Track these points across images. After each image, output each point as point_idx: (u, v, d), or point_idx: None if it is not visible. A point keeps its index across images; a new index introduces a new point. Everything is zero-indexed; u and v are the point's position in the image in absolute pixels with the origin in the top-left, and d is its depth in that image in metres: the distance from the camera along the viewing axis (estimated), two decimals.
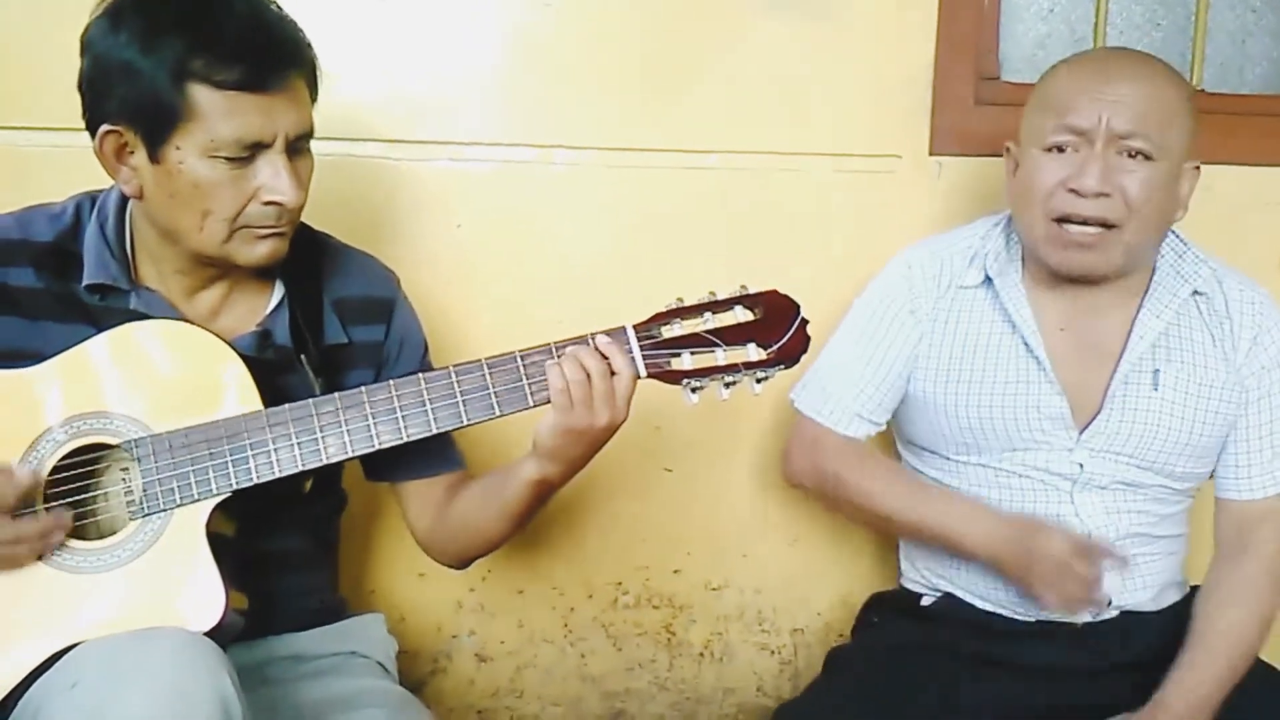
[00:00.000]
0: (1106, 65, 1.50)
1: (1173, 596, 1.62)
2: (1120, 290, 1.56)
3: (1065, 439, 1.55)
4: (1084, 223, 1.46)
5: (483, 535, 1.46)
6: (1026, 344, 1.55)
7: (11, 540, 1.22)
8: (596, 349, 1.28)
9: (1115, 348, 1.55)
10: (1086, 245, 1.47)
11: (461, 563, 1.53)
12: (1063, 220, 1.47)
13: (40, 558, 1.24)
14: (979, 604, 1.60)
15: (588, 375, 1.26)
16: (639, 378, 1.30)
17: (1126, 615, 1.57)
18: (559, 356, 1.28)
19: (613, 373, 1.27)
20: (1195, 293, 1.56)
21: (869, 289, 1.67)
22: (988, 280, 1.59)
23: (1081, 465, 1.55)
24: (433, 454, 1.45)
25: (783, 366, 1.29)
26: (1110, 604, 1.49)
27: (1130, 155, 1.46)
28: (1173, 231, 1.57)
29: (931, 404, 1.60)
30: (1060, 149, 1.48)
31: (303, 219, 1.38)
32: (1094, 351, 1.56)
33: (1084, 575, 1.41)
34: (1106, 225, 1.46)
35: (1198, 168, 1.53)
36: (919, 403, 1.62)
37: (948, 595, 1.63)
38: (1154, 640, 1.55)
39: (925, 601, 1.66)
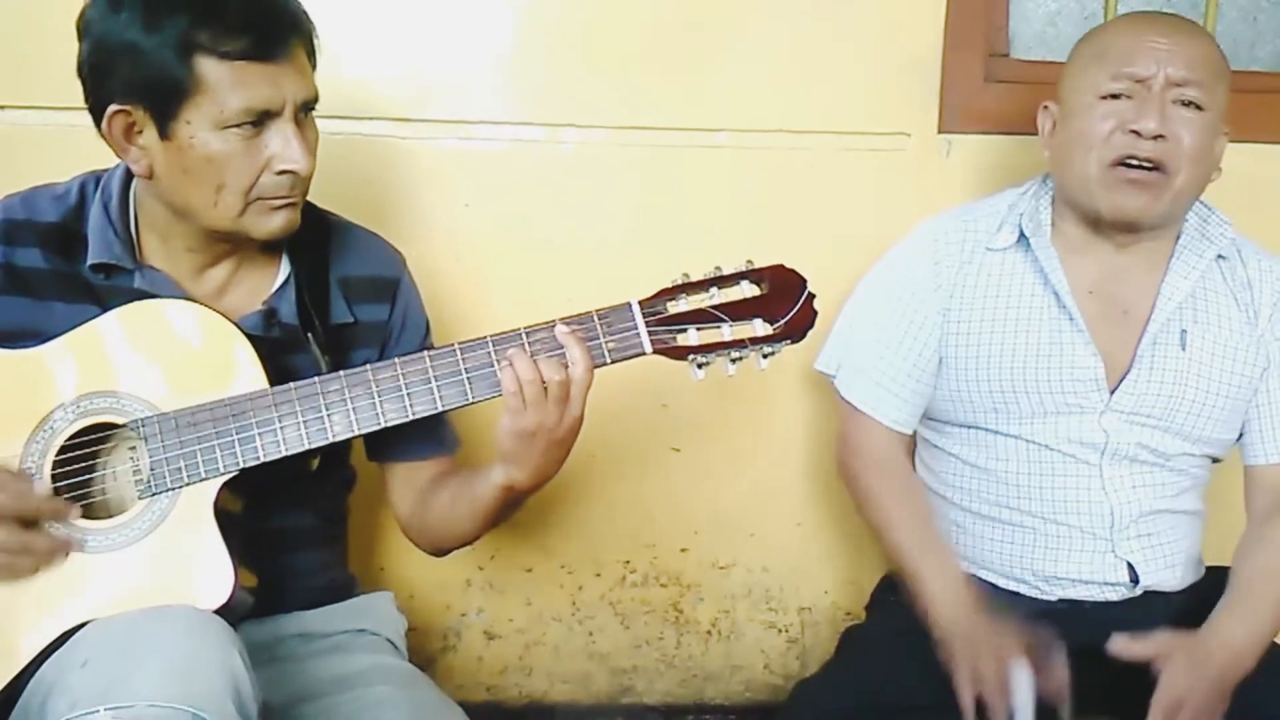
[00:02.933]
0: (1159, 21, 1.54)
1: (1193, 575, 1.62)
2: (1147, 253, 1.58)
3: (1096, 401, 1.55)
4: (1141, 165, 1.49)
5: (455, 531, 1.46)
6: (1060, 303, 1.56)
7: (19, 549, 1.23)
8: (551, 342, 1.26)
9: (1143, 310, 1.57)
10: (1142, 184, 1.49)
11: (437, 551, 1.52)
12: (1119, 163, 1.50)
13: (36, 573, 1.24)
14: (1001, 583, 1.61)
15: (539, 374, 1.25)
16: (605, 364, 1.28)
17: (1150, 594, 1.57)
18: (525, 345, 1.27)
19: (566, 366, 1.25)
20: (1219, 256, 1.59)
21: (892, 259, 1.67)
22: (1021, 241, 1.60)
23: (1108, 432, 1.55)
24: (422, 437, 1.45)
25: (789, 341, 1.28)
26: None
27: (1184, 104, 1.49)
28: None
29: (960, 369, 1.60)
30: (1116, 96, 1.50)
31: (309, 198, 1.38)
32: (1122, 314, 1.58)
33: (996, 677, 1.39)
34: (1161, 170, 1.49)
35: (1227, 133, 1.56)
36: (947, 370, 1.62)
37: (969, 577, 1.63)
38: (1176, 619, 1.53)
39: None
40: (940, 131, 1.92)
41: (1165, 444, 1.57)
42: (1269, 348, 1.59)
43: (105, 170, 1.40)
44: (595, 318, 1.28)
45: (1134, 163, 1.49)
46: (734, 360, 1.29)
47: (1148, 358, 1.56)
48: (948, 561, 1.57)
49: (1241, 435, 1.63)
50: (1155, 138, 1.47)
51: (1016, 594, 1.60)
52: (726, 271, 1.28)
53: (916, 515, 1.62)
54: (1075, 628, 1.53)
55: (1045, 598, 1.58)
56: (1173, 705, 1.38)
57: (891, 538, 1.60)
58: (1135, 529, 1.56)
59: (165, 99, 1.24)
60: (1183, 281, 1.56)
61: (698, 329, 1.27)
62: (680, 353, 1.28)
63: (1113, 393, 1.56)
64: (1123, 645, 1.42)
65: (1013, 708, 1.38)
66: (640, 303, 1.28)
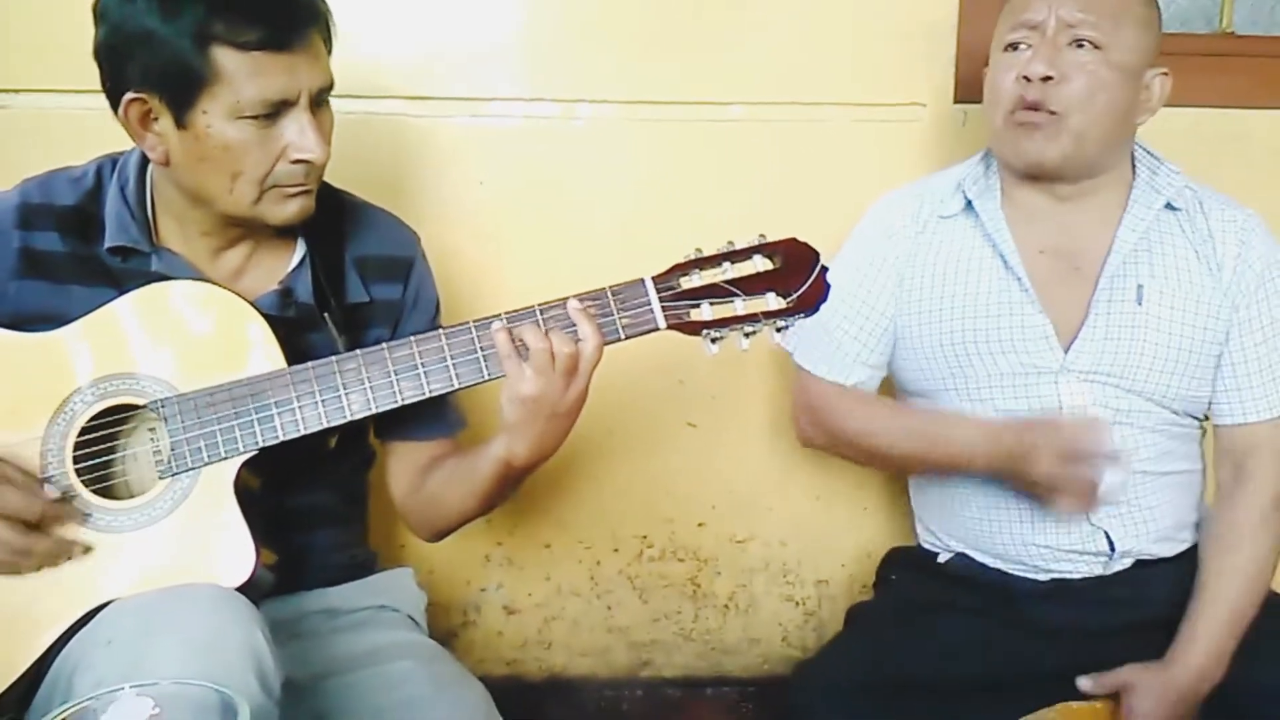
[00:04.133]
0: None
1: (1187, 538, 1.60)
2: (1098, 210, 1.56)
3: (1050, 360, 1.54)
4: (1032, 107, 1.48)
5: (450, 508, 1.46)
6: (1007, 265, 1.55)
7: (22, 550, 1.23)
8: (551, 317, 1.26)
9: (1094, 265, 1.55)
10: (1032, 126, 1.49)
11: (432, 532, 1.52)
12: (1015, 110, 1.50)
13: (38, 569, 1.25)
14: (991, 563, 1.60)
15: (549, 344, 1.25)
16: (619, 340, 1.28)
17: (1141, 565, 1.56)
18: (542, 318, 1.27)
19: (577, 340, 1.25)
20: (1170, 206, 1.56)
21: (854, 235, 1.68)
22: (968, 206, 1.59)
23: (1064, 395, 1.53)
24: (430, 417, 1.45)
25: (803, 315, 1.28)
26: (1115, 500, 1.45)
27: (1080, 45, 1.47)
28: (1146, 150, 1.58)
29: (916, 337, 1.60)
30: (1015, 46, 1.51)
31: (325, 178, 1.39)
32: (1075, 272, 1.56)
33: (1084, 474, 1.40)
34: (1049, 111, 1.48)
35: (1166, 73, 1.53)
36: (905, 339, 1.62)
37: (961, 555, 1.63)
38: (1171, 592, 1.53)
39: (941, 559, 1.66)
40: (956, 102, 1.91)
41: (1127, 404, 1.54)
42: (1235, 300, 1.55)
43: (122, 153, 1.40)
44: (609, 293, 1.28)
45: (1025, 109, 1.49)
46: (747, 335, 1.28)
47: (1102, 314, 1.53)
48: (945, 421, 1.58)
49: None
50: (1043, 79, 1.47)
51: (1005, 574, 1.59)
52: (739, 246, 1.28)
53: (894, 411, 1.64)
54: (1068, 606, 1.53)
55: (1035, 578, 1.57)
56: None
57: (885, 445, 1.61)
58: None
59: (182, 89, 1.24)
60: (1129, 233, 1.54)
61: (711, 304, 1.27)
62: (694, 328, 1.28)
63: (1067, 350, 1.54)
64: (1090, 683, 1.46)
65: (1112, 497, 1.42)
66: (654, 278, 1.28)
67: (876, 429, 1.62)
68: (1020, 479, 1.49)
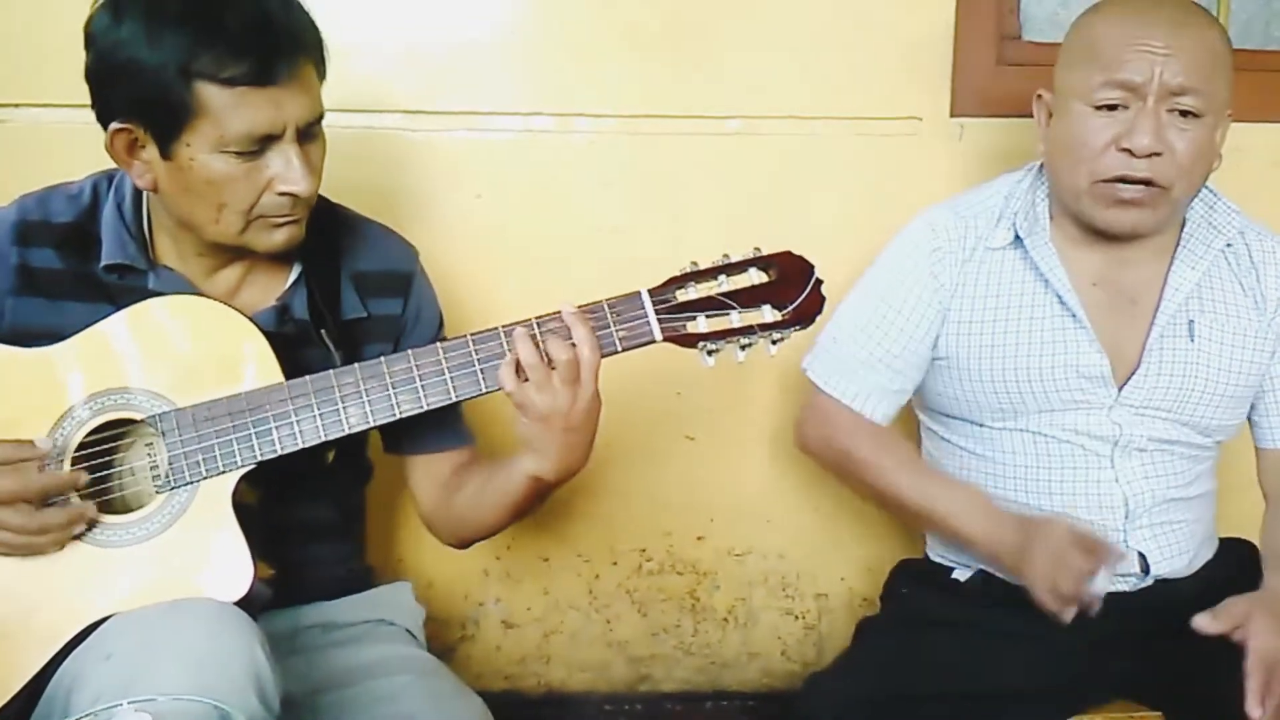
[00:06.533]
0: (1154, 14, 1.44)
1: (1205, 556, 1.61)
2: (1152, 243, 1.54)
3: (1105, 397, 1.53)
4: (1135, 182, 1.44)
5: (480, 522, 1.46)
6: (1062, 301, 1.52)
7: (37, 530, 1.23)
8: (548, 327, 1.26)
9: (1150, 301, 1.54)
10: (1136, 203, 1.45)
11: (459, 543, 1.53)
12: (1114, 180, 1.45)
13: (62, 547, 1.25)
14: (1014, 580, 1.57)
15: (541, 356, 1.25)
16: (616, 353, 1.28)
17: (1162, 583, 1.56)
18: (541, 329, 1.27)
19: (574, 345, 1.25)
20: (1227, 245, 1.56)
21: (889, 251, 1.63)
22: (1017, 239, 1.55)
23: (1120, 426, 1.53)
24: (440, 429, 1.46)
25: (798, 327, 1.29)
26: (1097, 607, 1.40)
27: (1181, 114, 1.42)
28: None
29: (964, 370, 1.58)
30: (1111, 106, 1.43)
31: (322, 193, 1.38)
32: (1129, 306, 1.54)
33: (1078, 568, 1.37)
34: (1155, 184, 1.44)
35: (1230, 114, 1.50)
36: (950, 370, 1.59)
37: (981, 571, 1.61)
38: (1189, 607, 1.49)
39: (958, 575, 1.64)
40: (953, 115, 1.91)
41: (1176, 434, 1.55)
42: (1277, 329, 1.56)
43: (119, 170, 1.39)
44: (606, 307, 1.29)
45: (1129, 182, 1.43)
46: (743, 347, 1.29)
47: (1156, 351, 1.53)
48: (956, 487, 1.55)
49: (1250, 416, 1.61)
50: (1150, 155, 1.41)
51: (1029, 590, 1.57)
52: (735, 259, 1.29)
53: (906, 456, 1.60)
54: (1090, 621, 1.52)
55: None
56: (1269, 662, 1.33)
57: (890, 485, 1.56)
58: (1149, 518, 1.54)
59: (166, 121, 1.23)
60: (1190, 271, 1.53)
61: (707, 316, 1.28)
62: (690, 340, 1.28)
63: (1121, 388, 1.53)
64: (1205, 623, 1.36)
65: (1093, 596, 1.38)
66: (650, 291, 1.29)
67: (886, 466, 1.56)
68: (1012, 572, 1.46)
